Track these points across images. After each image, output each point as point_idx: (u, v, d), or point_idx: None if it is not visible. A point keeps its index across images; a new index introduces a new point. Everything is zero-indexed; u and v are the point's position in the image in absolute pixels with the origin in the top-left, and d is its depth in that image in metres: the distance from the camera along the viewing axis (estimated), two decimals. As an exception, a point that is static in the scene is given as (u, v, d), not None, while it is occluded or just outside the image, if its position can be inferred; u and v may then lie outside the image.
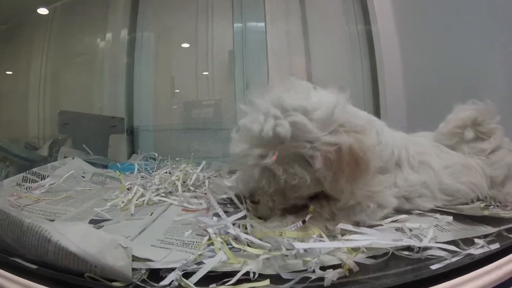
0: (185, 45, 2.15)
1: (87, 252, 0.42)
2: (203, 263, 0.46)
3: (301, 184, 0.59)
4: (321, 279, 0.43)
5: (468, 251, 0.50)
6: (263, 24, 2.04)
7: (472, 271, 0.45)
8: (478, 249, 0.50)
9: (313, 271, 0.43)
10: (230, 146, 0.64)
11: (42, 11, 2.19)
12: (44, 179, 1.06)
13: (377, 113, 1.82)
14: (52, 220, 0.72)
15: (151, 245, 0.54)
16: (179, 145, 2.03)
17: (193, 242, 0.55)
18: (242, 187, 0.74)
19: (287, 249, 0.47)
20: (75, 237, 0.44)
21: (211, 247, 0.51)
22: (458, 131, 0.87)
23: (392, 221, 0.65)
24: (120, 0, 2.10)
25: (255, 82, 1.99)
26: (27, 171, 1.05)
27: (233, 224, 0.58)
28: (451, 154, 0.84)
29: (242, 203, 0.69)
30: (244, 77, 2.01)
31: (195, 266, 0.45)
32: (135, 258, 0.45)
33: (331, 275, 0.42)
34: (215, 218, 0.64)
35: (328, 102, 0.60)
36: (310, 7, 2.03)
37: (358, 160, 0.58)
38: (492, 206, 0.77)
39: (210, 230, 0.56)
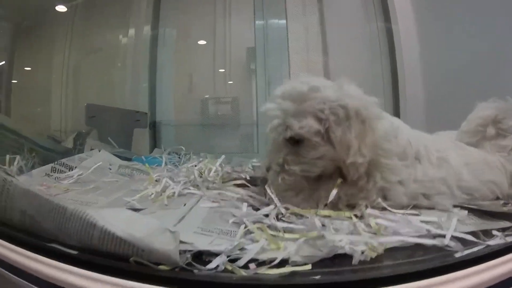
0: (203, 42, 2.16)
1: (135, 237, 0.42)
2: (245, 249, 0.47)
3: (313, 141, 0.67)
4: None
5: (487, 242, 0.50)
6: (284, 21, 2.03)
7: (491, 260, 0.45)
8: (496, 240, 0.51)
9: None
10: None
11: (60, 8, 2.20)
12: (72, 170, 1.07)
13: (396, 111, 1.83)
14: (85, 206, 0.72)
15: (194, 232, 0.55)
16: (198, 140, 2.05)
17: (231, 231, 0.55)
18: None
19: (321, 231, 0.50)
20: (122, 222, 0.44)
21: (249, 235, 0.52)
22: (480, 129, 0.86)
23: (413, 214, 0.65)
24: (142, -4, 2.10)
25: (277, 79, 1.98)
26: (56, 162, 1.06)
27: (267, 215, 0.60)
28: (471, 151, 0.83)
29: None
30: (266, 74, 2.00)
31: (238, 251, 0.46)
32: (181, 242, 0.45)
33: (358, 255, 0.44)
34: (249, 208, 0.67)
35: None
36: (329, 4, 2.03)
37: (364, 119, 0.65)
38: (511, 205, 0.75)
39: (246, 220, 0.57)
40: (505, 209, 0.64)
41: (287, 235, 0.52)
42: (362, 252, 0.45)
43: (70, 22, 2.21)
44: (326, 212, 0.60)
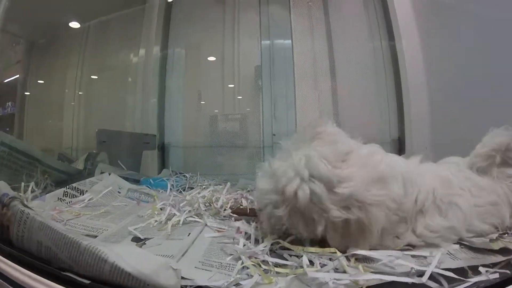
0: (212, 58, 2.20)
1: (142, 272, 0.48)
2: (240, 284, 0.52)
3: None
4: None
5: (473, 280, 0.51)
6: (289, 41, 2.06)
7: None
8: (481, 277, 0.52)
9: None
10: (257, 180, 0.72)
11: (74, 24, 2.27)
12: (83, 194, 1.12)
13: (401, 131, 1.84)
14: (95, 236, 0.78)
15: (195, 267, 0.60)
16: (206, 161, 2.06)
17: (230, 264, 0.61)
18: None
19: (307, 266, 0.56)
20: (132, 258, 0.50)
21: (245, 270, 0.57)
22: (493, 154, 0.86)
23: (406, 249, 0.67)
24: (153, 16, 2.16)
25: (283, 98, 2.02)
26: (67, 186, 1.11)
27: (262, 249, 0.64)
28: (483, 187, 0.82)
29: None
30: (271, 93, 2.03)
31: (234, 287, 0.51)
32: (182, 278, 0.51)
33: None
34: (246, 241, 0.71)
35: (357, 177, 0.63)
36: (335, 24, 2.05)
37: (365, 230, 0.62)
38: (507, 234, 0.75)
39: (242, 255, 0.62)
40: (494, 246, 0.64)
41: (277, 269, 0.57)
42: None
43: (83, 41, 2.27)
44: (313, 249, 0.63)
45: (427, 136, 1.71)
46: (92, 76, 2.31)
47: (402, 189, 0.69)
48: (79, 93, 2.28)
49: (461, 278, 0.51)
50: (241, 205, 1.03)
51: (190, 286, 0.51)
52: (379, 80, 1.95)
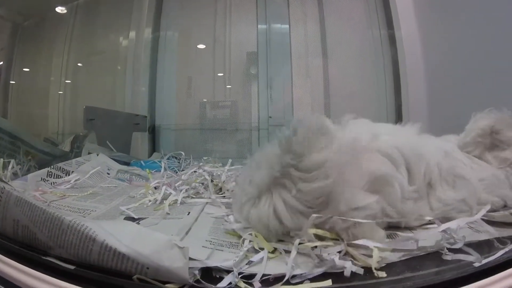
0: (203, 46, 2.16)
1: (141, 253, 0.39)
2: (252, 261, 0.46)
3: None
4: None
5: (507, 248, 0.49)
6: (287, 26, 2.05)
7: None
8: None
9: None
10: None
11: (60, 9, 2.21)
12: (69, 174, 1.04)
13: (399, 116, 1.85)
14: (83, 217, 0.69)
15: (202, 246, 0.52)
16: (198, 144, 2.03)
17: (239, 243, 0.53)
18: None
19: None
20: (126, 237, 0.40)
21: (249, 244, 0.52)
22: (479, 140, 0.83)
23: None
24: (144, -1, 2.08)
25: (279, 84, 2.00)
26: (52, 166, 1.02)
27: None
28: (482, 166, 0.80)
29: None
30: (267, 77, 2.00)
31: (246, 266, 0.45)
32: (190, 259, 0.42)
33: (349, 267, 0.43)
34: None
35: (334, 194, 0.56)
36: (332, 11, 2.05)
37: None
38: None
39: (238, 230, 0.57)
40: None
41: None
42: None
43: (71, 24, 2.19)
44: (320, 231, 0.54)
45: (425, 122, 1.64)
46: (79, 62, 2.25)
47: (406, 173, 0.65)
48: (66, 81, 2.21)
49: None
50: None
51: (195, 269, 0.41)
52: (378, 66, 1.96)
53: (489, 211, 0.69)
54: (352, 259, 0.46)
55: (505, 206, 0.75)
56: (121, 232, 0.42)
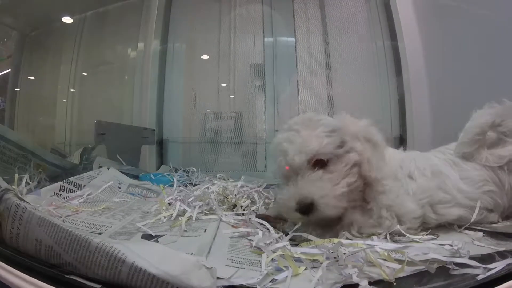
0: (207, 57, 2.17)
1: (170, 274, 0.39)
2: (275, 280, 0.47)
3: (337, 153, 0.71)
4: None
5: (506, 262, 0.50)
6: (293, 39, 2.06)
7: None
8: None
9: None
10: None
11: (67, 19, 2.21)
12: (81, 188, 1.04)
13: (403, 129, 1.86)
14: (99, 234, 0.69)
15: (226, 265, 0.53)
16: (205, 157, 2.03)
17: (259, 260, 0.54)
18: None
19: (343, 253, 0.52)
20: (153, 258, 0.41)
21: (273, 263, 0.52)
22: (477, 138, 0.83)
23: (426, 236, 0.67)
24: (152, 10, 2.09)
25: (285, 95, 2.01)
26: (64, 180, 1.02)
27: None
28: (467, 168, 0.81)
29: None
30: (274, 90, 2.01)
31: (270, 283, 0.46)
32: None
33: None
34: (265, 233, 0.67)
35: None
36: (335, 24, 2.06)
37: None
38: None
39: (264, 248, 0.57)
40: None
41: (304, 257, 0.53)
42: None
43: (79, 34, 2.20)
44: (335, 240, 0.60)
45: (429, 133, 1.72)
46: (86, 72, 2.25)
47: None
48: (72, 90, 2.22)
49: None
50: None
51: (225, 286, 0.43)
52: (382, 79, 1.97)
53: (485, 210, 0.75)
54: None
55: (507, 218, 0.78)
56: (148, 252, 0.42)
